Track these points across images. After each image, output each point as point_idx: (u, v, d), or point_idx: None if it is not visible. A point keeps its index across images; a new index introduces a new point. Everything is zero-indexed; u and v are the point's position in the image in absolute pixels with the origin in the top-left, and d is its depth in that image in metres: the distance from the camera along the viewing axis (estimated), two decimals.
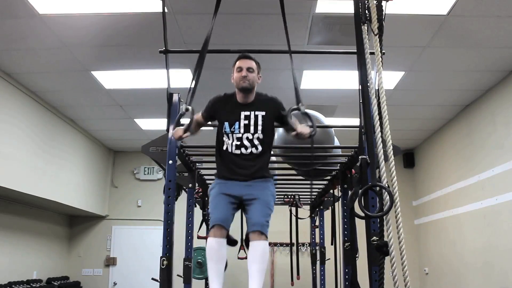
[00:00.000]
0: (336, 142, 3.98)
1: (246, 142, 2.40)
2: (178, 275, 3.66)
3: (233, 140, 2.40)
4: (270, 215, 2.40)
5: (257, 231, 2.29)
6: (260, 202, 2.36)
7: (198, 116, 2.50)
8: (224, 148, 2.44)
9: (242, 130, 2.40)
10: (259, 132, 2.40)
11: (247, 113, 2.41)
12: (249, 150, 2.39)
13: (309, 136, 2.35)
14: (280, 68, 4.75)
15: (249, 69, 2.40)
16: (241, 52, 3.30)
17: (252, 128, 2.40)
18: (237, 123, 2.40)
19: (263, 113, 2.42)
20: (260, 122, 2.41)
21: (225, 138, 2.43)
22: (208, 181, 4.52)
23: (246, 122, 2.40)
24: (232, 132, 2.40)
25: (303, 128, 2.35)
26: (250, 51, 3.44)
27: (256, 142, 2.40)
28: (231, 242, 2.61)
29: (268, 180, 2.48)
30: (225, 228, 2.34)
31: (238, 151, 2.40)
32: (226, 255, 2.36)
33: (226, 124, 2.42)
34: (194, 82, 2.44)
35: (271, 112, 2.44)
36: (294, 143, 3.37)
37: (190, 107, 2.36)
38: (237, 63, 2.44)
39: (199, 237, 4.54)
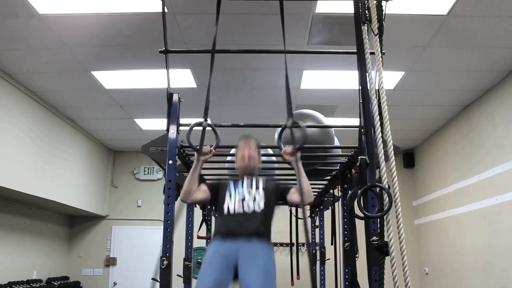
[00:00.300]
0: (336, 142, 3.98)
1: (248, 198, 2.42)
2: (178, 275, 3.66)
3: (236, 196, 2.43)
4: None
5: None
6: (260, 269, 2.12)
7: (204, 187, 2.56)
8: (226, 212, 2.41)
9: (245, 188, 2.47)
10: (261, 191, 2.45)
11: (250, 177, 2.54)
12: (251, 208, 2.38)
13: (295, 149, 2.32)
14: (280, 68, 4.71)
15: (250, 155, 2.55)
16: (241, 52, 3.33)
17: (254, 187, 2.48)
18: (240, 182, 2.50)
19: (264, 182, 2.52)
20: (261, 186, 2.48)
21: (227, 199, 2.44)
22: (208, 181, 4.51)
23: (249, 182, 2.50)
24: (235, 189, 2.46)
25: (285, 147, 2.37)
26: (250, 51, 3.48)
27: (258, 198, 2.41)
28: None
29: (269, 245, 2.35)
30: None
31: (240, 210, 2.38)
32: None
33: (231, 183, 2.50)
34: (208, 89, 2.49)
35: (271, 188, 2.52)
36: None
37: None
38: (240, 147, 2.57)
39: (199, 237, 4.55)
